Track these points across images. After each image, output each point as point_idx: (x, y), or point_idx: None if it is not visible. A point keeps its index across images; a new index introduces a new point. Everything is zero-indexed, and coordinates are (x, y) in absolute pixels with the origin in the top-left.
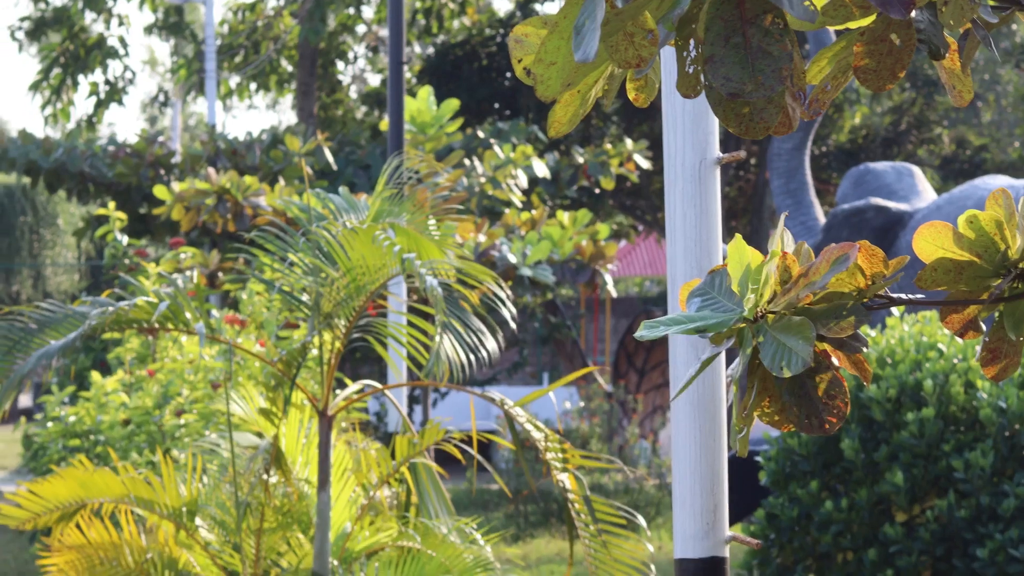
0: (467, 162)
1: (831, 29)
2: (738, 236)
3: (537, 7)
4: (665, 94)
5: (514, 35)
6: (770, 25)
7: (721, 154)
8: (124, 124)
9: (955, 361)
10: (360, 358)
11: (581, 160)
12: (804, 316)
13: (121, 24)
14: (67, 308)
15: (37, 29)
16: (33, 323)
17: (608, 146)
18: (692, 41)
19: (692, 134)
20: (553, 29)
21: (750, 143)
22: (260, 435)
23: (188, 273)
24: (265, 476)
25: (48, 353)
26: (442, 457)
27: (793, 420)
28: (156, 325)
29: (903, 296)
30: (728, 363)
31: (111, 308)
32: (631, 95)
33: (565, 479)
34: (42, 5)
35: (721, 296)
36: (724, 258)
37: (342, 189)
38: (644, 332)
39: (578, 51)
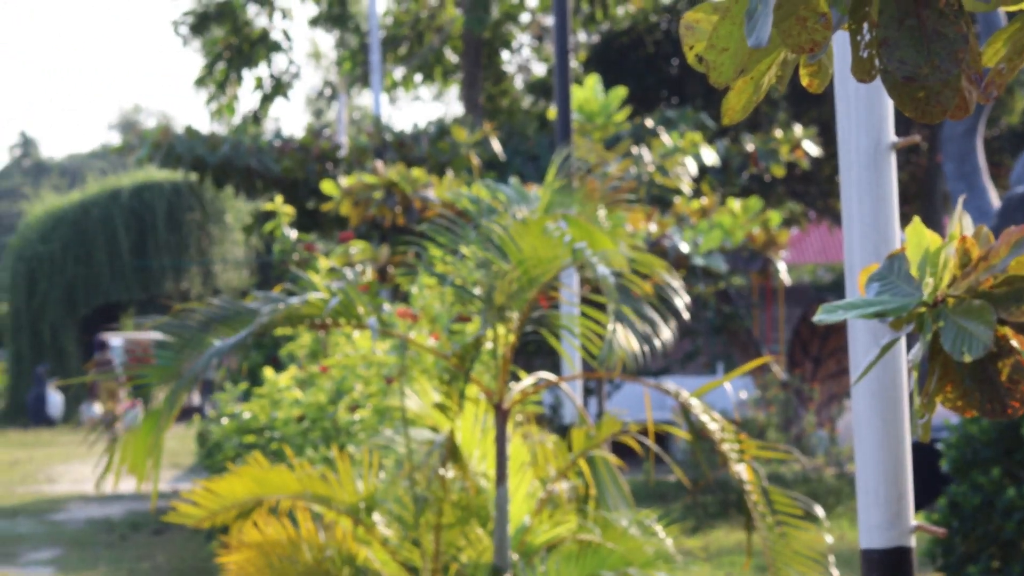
0: (635, 151)
1: (1002, 11)
2: (917, 219)
3: None
4: (838, 79)
5: (685, 22)
6: (944, 7)
7: (896, 138)
8: (289, 118)
9: None
10: (533, 351)
11: (750, 147)
12: (984, 300)
13: (284, 17)
14: (238, 305)
15: (201, 24)
16: (205, 320)
17: (777, 133)
18: (866, 24)
19: (866, 119)
20: (724, 15)
21: (921, 127)
22: (435, 430)
23: (358, 267)
24: (442, 471)
25: (221, 350)
26: (617, 448)
27: (975, 405)
28: (328, 321)
29: None
30: (907, 349)
31: (282, 304)
32: (804, 81)
33: (742, 470)
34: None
35: (900, 280)
36: (901, 243)
37: (512, 180)
38: (823, 316)
39: (751, 36)
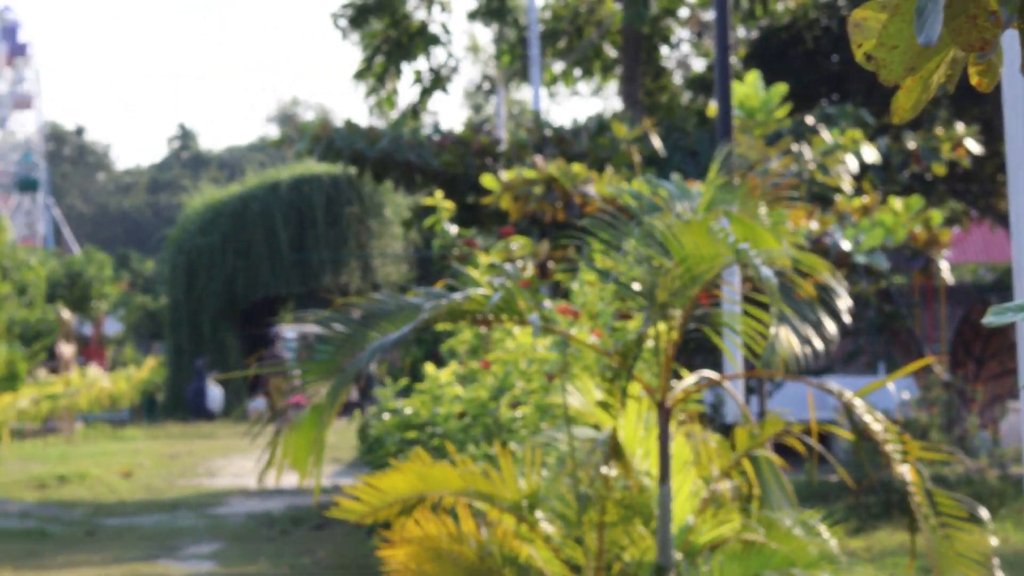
0: (795, 148)
1: None
2: None
3: None
4: (1006, 78)
5: (854, 19)
6: None
7: None
8: (447, 112)
9: None
10: (693, 349)
11: (912, 145)
12: None
13: (443, 10)
14: (401, 300)
15: (360, 16)
16: (367, 315)
17: (939, 130)
18: None
19: None
20: (894, 12)
21: None
22: (597, 427)
23: (518, 263)
24: (604, 469)
25: (383, 346)
26: (779, 448)
27: None
28: (490, 316)
29: None
30: None
31: (445, 300)
32: (973, 80)
33: (906, 471)
34: None
35: None
36: None
37: (674, 176)
38: (993, 318)
39: (920, 34)
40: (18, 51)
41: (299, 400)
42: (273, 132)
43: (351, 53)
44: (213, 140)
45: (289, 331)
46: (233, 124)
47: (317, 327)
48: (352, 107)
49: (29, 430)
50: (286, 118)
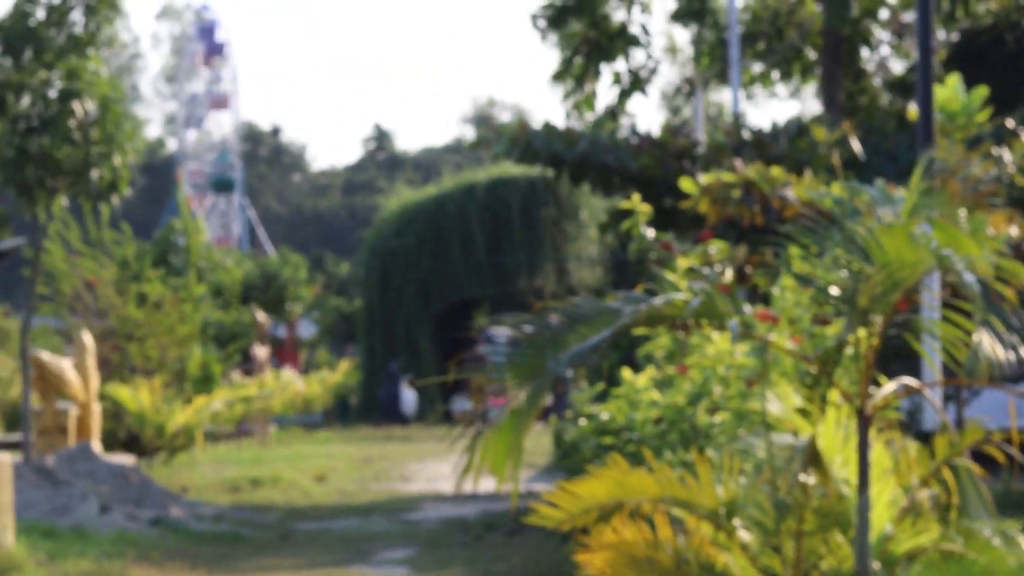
0: (996, 152)
1: None
2: None
3: None
4: None
5: None
6: None
7: None
8: (644, 114)
9: None
10: (889, 355)
11: None
12: None
13: (643, 11)
14: (600, 304)
15: (559, 17)
16: (566, 319)
17: None
18: None
19: None
20: None
21: None
22: (795, 434)
23: (716, 267)
24: (803, 476)
25: (582, 351)
26: (977, 456)
27: None
28: (689, 321)
29: None
30: None
31: (644, 304)
32: None
33: None
34: None
35: None
36: None
37: (878, 182)
38: None
39: None
40: (215, 51)
41: (500, 401)
42: (468, 133)
43: (549, 54)
44: (408, 141)
45: (498, 333)
46: (428, 125)
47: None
48: (549, 108)
49: (223, 433)
50: (482, 119)
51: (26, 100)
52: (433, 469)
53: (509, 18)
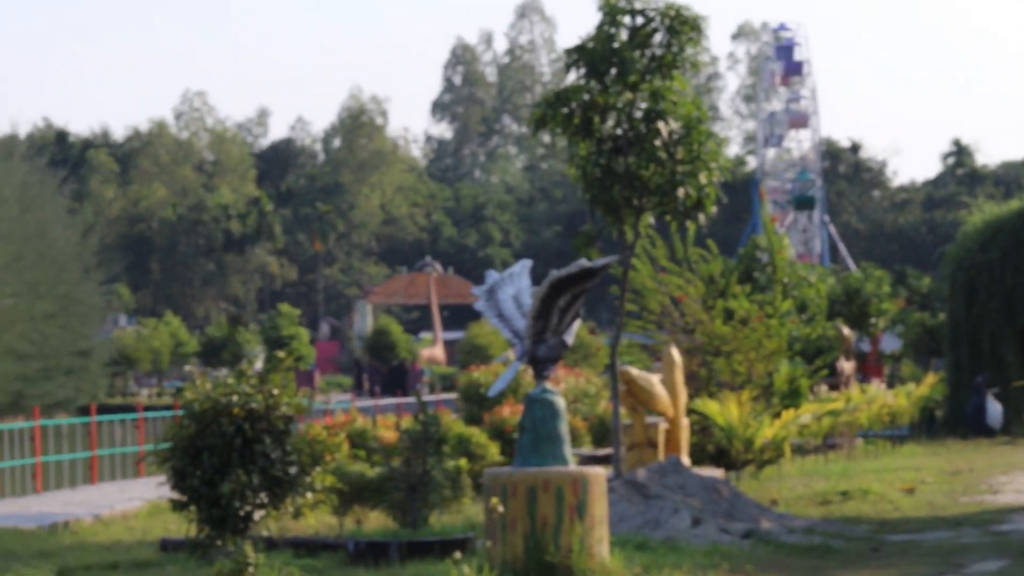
0: None
1: None
2: None
3: None
4: None
5: None
6: None
7: None
8: None
9: None
10: None
11: None
12: None
13: None
14: None
15: None
16: None
17: None
18: None
19: None
20: None
21: None
22: None
23: None
24: None
25: None
26: None
27: None
28: None
29: None
30: None
31: None
32: None
33: None
34: None
35: None
36: None
37: None
38: None
39: None
40: (794, 70)
41: None
42: None
43: None
44: (988, 155)
45: None
46: (1009, 138)
47: None
48: None
49: (810, 446)
50: None
51: (611, 121)
52: (1021, 481)
53: None
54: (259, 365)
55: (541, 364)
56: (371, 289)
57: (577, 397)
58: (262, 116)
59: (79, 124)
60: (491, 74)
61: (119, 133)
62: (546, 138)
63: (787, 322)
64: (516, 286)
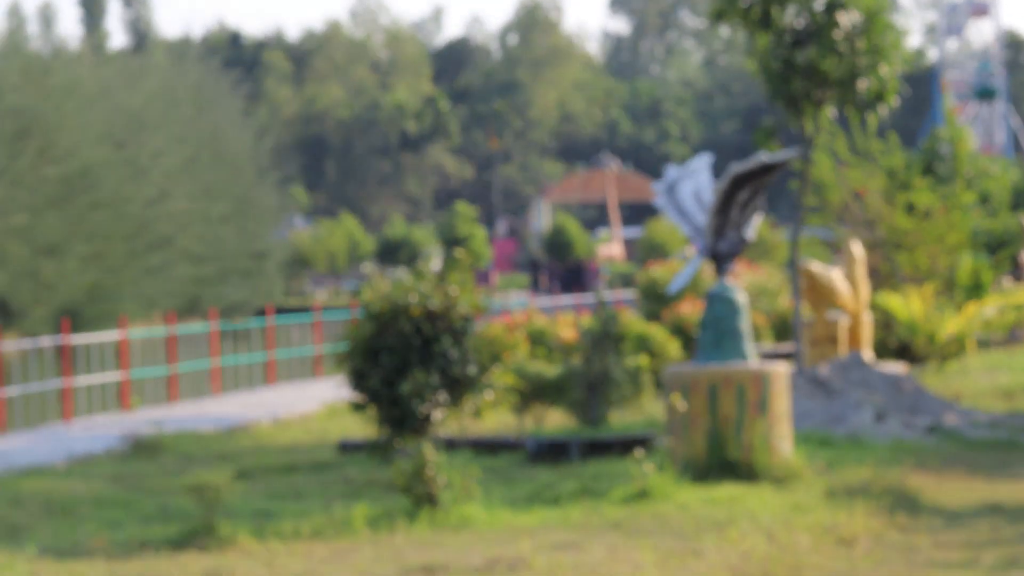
0: None
1: None
2: None
3: None
4: None
5: None
6: None
7: None
8: None
9: None
10: None
11: None
12: None
13: None
14: None
15: None
16: None
17: None
18: None
19: None
20: None
21: None
22: None
23: None
24: None
25: None
26: None
27: None
28: None
29: None
30: None
31: None
32: None
33: None
34: None
35: None
36: None
37: None
38: None
39: None
40: None
41: None
42: None
43: None
44: None
45: None
46: None
47: None
48: None
49: (994, 340)
50: None
51: (791, 12)
52: None
53: None
54: (436, 265)
55: (721, 260)
56: (548, 187)
57: (758, 293)
58: (437, 14)
59: (252, 26)
60: None
61: (293, 34)
62: (725, 31)
63: (970, 214)
64: (696, 181)
